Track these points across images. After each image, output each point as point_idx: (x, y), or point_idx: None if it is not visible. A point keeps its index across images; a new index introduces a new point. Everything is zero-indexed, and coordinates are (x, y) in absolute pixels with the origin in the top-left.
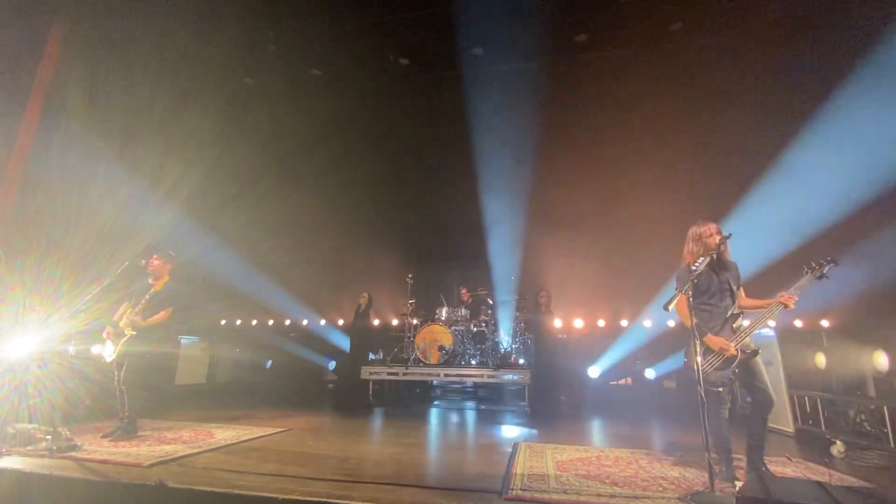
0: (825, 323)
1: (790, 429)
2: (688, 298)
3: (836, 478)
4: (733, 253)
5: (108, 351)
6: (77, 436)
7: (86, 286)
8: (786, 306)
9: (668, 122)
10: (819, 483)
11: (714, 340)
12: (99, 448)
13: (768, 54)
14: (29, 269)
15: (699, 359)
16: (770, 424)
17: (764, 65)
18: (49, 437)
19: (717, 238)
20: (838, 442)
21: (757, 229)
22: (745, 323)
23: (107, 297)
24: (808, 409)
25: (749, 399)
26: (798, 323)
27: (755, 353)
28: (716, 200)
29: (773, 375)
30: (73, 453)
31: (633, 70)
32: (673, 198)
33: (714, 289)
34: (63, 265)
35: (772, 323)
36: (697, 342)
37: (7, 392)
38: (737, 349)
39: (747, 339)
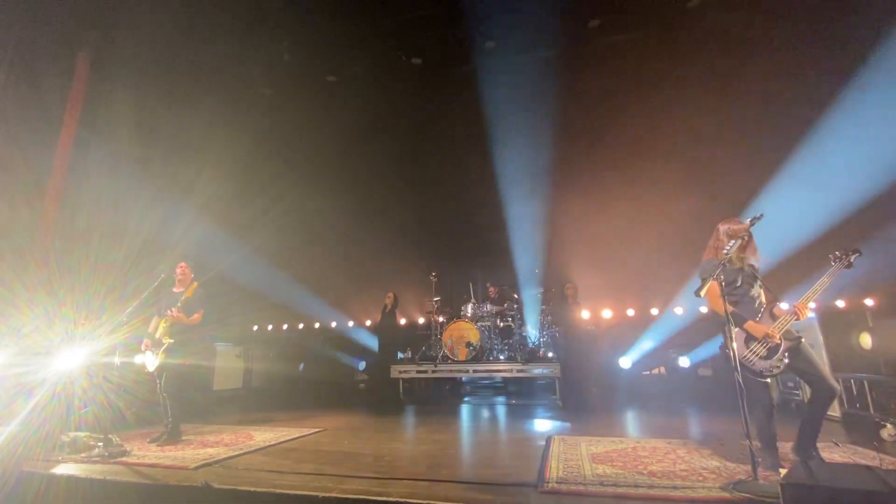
0: (869, 302)
1: (836, 413)
2: (720, 284)
3: (887, 462)
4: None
5: (149, 361)
6: (126, 442)
7: (127, 300)
8: (798, 317)
9: (689, 105)
10: (869, 467)
11: (756, 328)
12: (147, 452)
13: (796, 26)
14: (79, 286)
15: (734, 345)
16: None
17: (791, 38)
18: (101, 443)
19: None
20: (888, 425)
21: (784, 215)
22: (785, 307)
23: (144, 310)
24: (855, 392)
25: (803, 390)
26: (840, 303)
27: (799, 339)
28: (741, 185)
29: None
30: (124, 458)
31: (651, 52)
32: (698, 182)
33: (742, 279)
34: (108, 281)
35: (812, 304)
36: (735, 329)
37: (57, 403)
38: (780, 337)
39: (787, 326)
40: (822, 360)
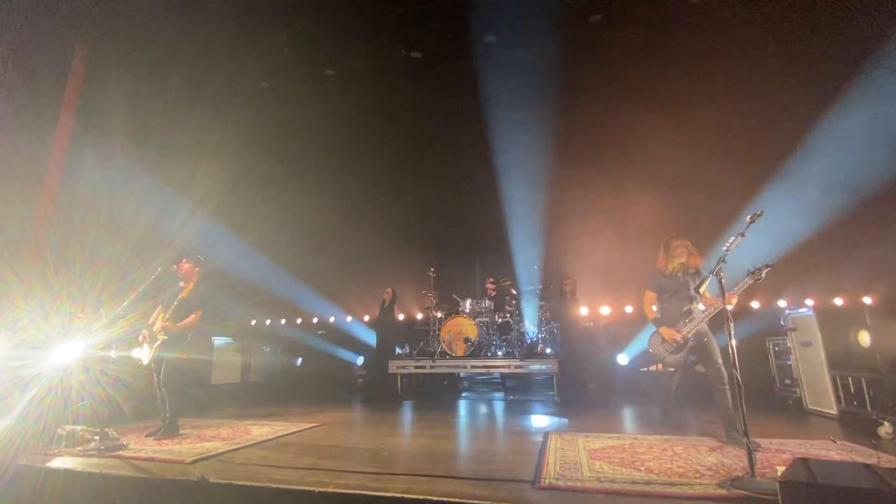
0: (867, 300)
1: (833, 410)
2: (720, 282)
3: (884, 460)
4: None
5: (144, 354)
6: (122, 436)
7: (123, 294)
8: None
9: (691, 103)
10: (867, 465)
11: (665, 332)
12: (144, 447)
13: (798, 24)
14: (75, 280)
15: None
16: (812, 407)
17: (793, 36)
18: (97, 437)
19: (684, 251)
20: (886, 423)
21: (783, 213)
22: (698, 311)
23: (141, 304)
24: (853, 390)
25: (801, 388)
26: (838, 301)
27: (705, 334)
28: (740, 182)
29: (813, 356)
30: (120, 452)
31: (653, 49)
32: (698, 180)
33: (676, 289)
34: (104, 275)
35: (805, 304)
36: (725, 328)
37: (54, 397)
38: (684, 338)
39: (701, 325)
40: (719, 352)
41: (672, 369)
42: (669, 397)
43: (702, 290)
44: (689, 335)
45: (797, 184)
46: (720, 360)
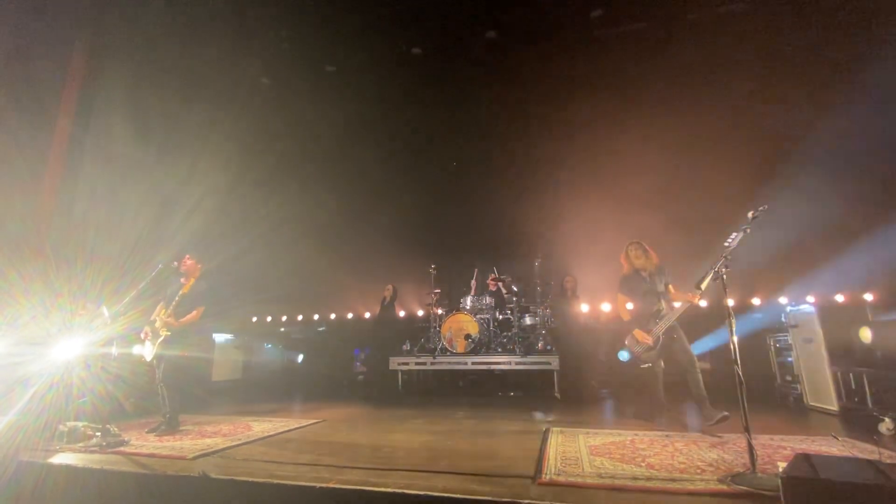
0: (869, 296)
1: (834, 407)
2: (722, 281)
3: (886, 455)
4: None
5: (146, 350)
6: (124, 432)
7: (124, 291)
8: (692, 303)
9: (695, 100)
10: (870, 461)
11: (637, 334)
12: (145, 443)
13: (802, 21)
14: (75, 277)
15: (637, 348)
16: (813, 403)
17: (798, 33)
18: (99, 433)
19: (641, 254)
20: (887, 419)
21: (784, 211)
22: (667, 309)
23: (142, 301)
24: (854, 387)
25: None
26: (839, 297)
27: (674, 332)
28: (740, 178)
29: (814, 352)
30: (121, 448)
31: (655, 44)
32: (698, 175)
33: (645, 290)
34: (105, 272)
35: (807, 300)
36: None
37: (56, 393)
38: (656, 337)
39: (671, 323)
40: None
41: (650, 364)
42: (659, 391)
43: (703, 285)
44: (660, 333)
45: (800, 179)
46: (690, 348)
